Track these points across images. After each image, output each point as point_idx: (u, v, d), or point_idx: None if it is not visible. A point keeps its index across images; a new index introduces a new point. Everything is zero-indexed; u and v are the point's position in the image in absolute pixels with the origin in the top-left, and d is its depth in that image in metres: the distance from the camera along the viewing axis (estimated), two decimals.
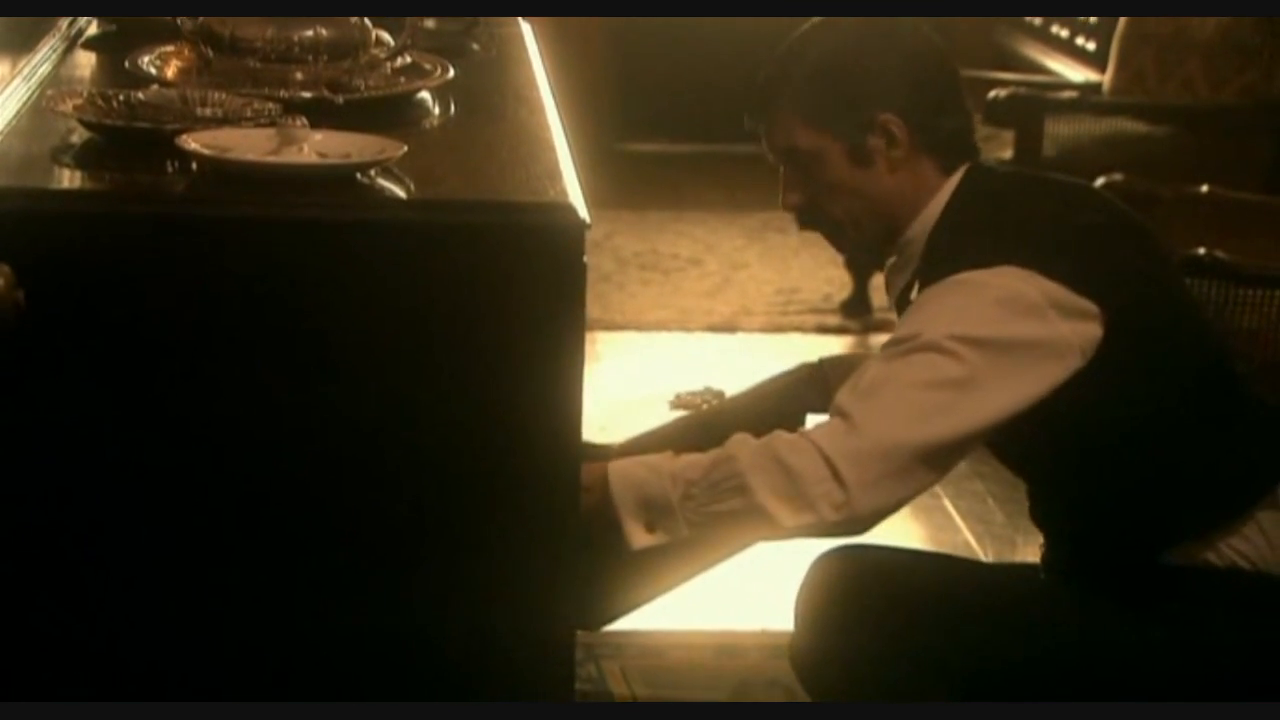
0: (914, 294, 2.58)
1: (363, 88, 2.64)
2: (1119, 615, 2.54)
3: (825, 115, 2.57)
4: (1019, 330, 2.45)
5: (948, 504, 4.17)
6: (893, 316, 2.71)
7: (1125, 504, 2.56)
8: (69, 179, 2.32)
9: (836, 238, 2.73)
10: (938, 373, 2.44)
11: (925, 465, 2.44)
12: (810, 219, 2.69)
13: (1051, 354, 2.46)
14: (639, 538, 2.44)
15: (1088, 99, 5.42)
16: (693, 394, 2.91)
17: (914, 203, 2.60)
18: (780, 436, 2.45)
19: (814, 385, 2.81)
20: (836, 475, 2.39)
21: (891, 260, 2.67)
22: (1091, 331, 2.47)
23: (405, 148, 2.24)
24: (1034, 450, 2.58)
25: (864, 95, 2.56)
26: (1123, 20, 5.45)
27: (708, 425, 2.72)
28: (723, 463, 2.44)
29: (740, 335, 5.40)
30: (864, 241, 2.68)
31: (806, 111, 2.58)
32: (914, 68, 2.60)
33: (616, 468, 2.45)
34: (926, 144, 2.59)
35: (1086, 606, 2.57)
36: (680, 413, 2.87)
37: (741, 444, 2.46)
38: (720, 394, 2.90)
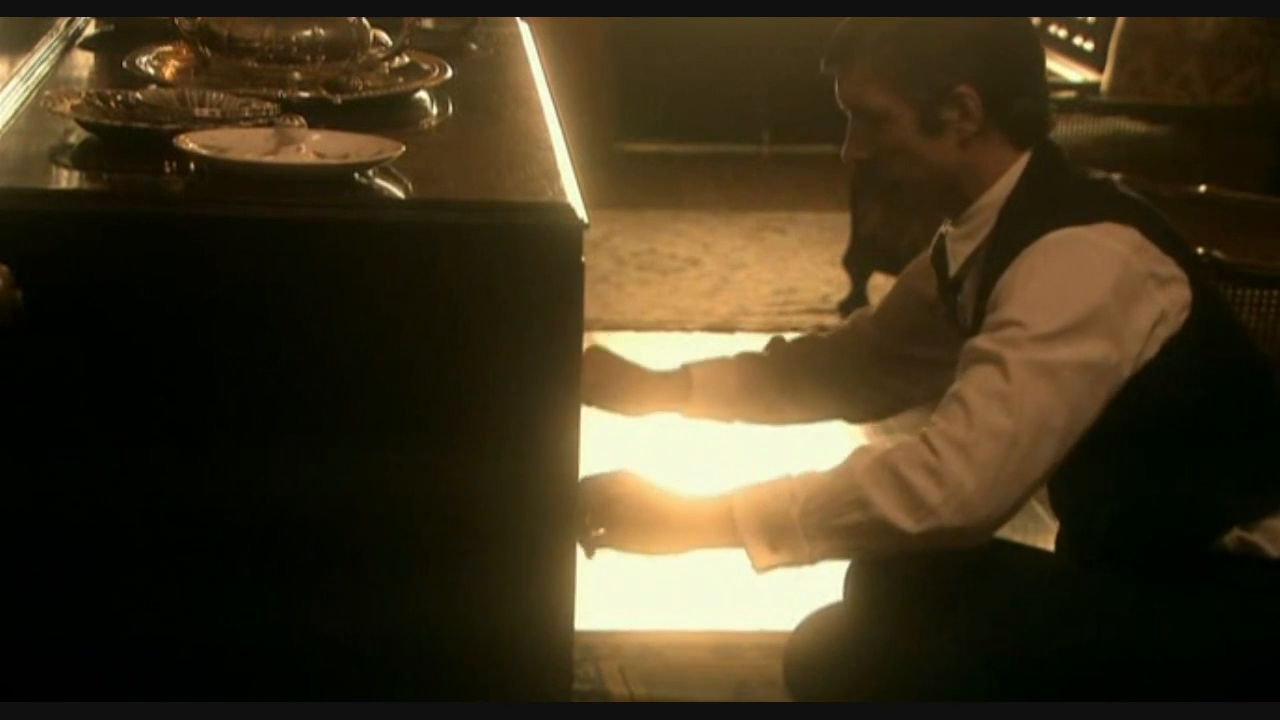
0: (988, 259, 2.53)
1: (361, 88, 2.64)
2: (1161, 603, 2.49)
3: (900, 78, 2.50)
4: (1122, 304, 2.41)
5: None
6: None
7: (1169, 489, 2.52)
8: (67, 179, 2.31)
9: (892, 198, 2.65)
10: (1053, 355, 2.38)
11: (1040, 448, 2.38)
12: (868, 176, 2.63)
13: (1149, 324, 2.43)
14: (763, 558, 2.41)
15: (1086, 99, 5.43)
16: None
17: (980, 177, 2.55)
18: (899, 445, 2.39)
19: None
20: (942, 466, 2.34)
21: (951, 229, 2.61)
22: (1182, 297, 2.46)
23: (403, 148, 2.24)
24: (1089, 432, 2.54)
25: (943, 63, 2.50)
26: (1121, 20, 5.45)
27: None
28: (842, 475, 2.40)
29: (739, 335, 5.39)
30: (919, 206, 2.64)
31: (881, 71, 2.51)
32: (998, 43, 2.54)
33: (739, 496, 2.42)
34: (1000, 121, 2.53)
35: (1124, 593, 2.52)
36: None
37: (860, 454, 2.42)
38: None
